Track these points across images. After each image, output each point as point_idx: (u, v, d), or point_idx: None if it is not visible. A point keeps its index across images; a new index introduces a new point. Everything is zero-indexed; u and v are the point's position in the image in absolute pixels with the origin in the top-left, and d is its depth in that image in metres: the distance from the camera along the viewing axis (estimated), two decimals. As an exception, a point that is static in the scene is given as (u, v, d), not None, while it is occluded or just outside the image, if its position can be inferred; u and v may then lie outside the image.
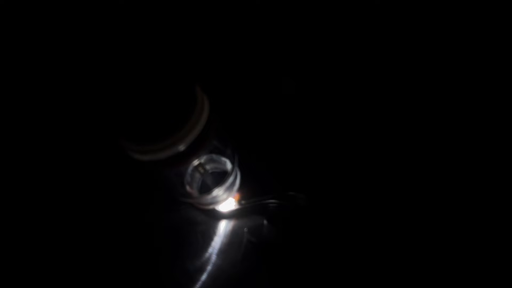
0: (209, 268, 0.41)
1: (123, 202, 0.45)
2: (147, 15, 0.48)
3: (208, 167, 0.44)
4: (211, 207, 0.43)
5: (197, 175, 0.44)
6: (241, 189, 0.44)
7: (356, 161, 0.45)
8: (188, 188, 0.42)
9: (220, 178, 0.40)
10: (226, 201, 0.42)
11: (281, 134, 0.48)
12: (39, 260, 0.42)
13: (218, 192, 0.39)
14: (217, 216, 0.44)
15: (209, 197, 0.40)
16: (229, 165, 0.42)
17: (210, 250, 0.42)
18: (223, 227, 0.43)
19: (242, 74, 0.53)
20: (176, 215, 0.44)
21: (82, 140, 0.48)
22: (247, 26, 0.55)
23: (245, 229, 0.43)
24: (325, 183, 0.44)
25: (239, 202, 0.43)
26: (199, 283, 0.40)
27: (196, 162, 0.42)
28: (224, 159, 0.43)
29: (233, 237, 0.43)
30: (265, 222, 0.42)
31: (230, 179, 0.40)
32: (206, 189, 0.43)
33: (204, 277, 0.40)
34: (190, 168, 0.42)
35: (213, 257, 0.41)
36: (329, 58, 0.53)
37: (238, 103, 0.50)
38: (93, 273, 0.41)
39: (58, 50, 0.45)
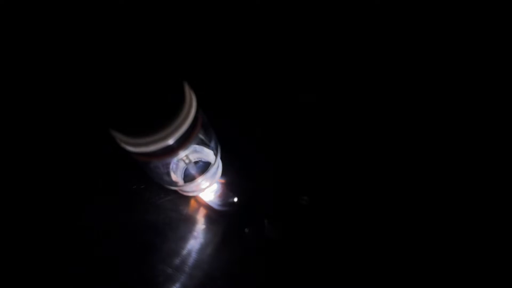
0: (193, 253, 0.44)
1: (111, 192, 0.47)
2: (139, 11, 0.48)
3: (192, 157, 0.46)
4: (194, 194, 0.46)
5: (182, 164, 0.46)
6: (222, 178, 0.47)
7: (351, 157, 0.47)
8: (173, 176, 0.45)
9: (203, 167, 0.43)
10: (208, 189, 0.46)
11: (266, 129, 0.51)
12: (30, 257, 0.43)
13: (201, 180, 0.43)
14: (200, 203, 0.47)
15: (192, 185, 0.43)
16: (212, 157, 0.45)
17: (192, 240, 0.45)
18: (206, 215, 0.47)
19: (227, 73, 0.54)
20: (162, 203, 0.47)
21: (76, 133, 0.49)
22: (239, 23, 0.55)
23: (246, 230, 0.44)
24: (322, 182, 0.46)
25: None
26: (184, 268, 0.43)
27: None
28: (207, 150, 0.45)
29: (217, 224, 0.46)
30: (266, 222, 0.44)
31: (213, 170, 0.43)
32: (189, 177, 0.46)
33: (189, 262, 0.43)
34: (175, 158, 0.45)
35: (197, 245, 0.45)
36: (327, 58, 0.53)
37: (223, 99, 0.52)
38: (79, 266, 0.42)
39: (49, 44, 0.45)
